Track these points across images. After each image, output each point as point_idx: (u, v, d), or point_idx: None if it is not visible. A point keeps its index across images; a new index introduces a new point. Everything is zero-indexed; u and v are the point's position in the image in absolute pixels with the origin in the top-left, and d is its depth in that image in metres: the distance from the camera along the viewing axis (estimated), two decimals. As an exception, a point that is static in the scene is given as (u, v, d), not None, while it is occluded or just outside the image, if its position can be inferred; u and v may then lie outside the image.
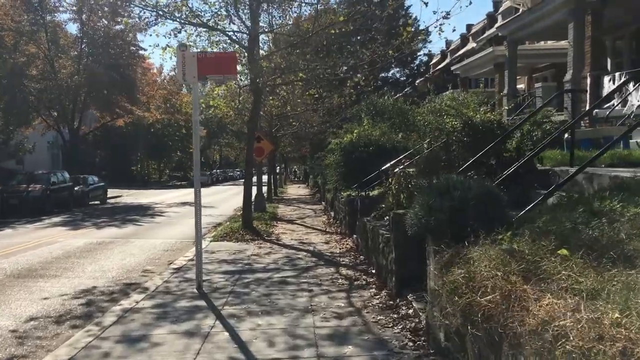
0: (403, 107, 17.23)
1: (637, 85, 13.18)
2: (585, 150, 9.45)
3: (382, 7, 17.15)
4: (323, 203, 26.44)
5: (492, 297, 3.19)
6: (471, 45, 39.74)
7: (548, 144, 7.47)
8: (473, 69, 29.03)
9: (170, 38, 18.17)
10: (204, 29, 15.65)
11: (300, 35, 16.03)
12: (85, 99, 37.69)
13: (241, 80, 19.18)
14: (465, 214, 4.59)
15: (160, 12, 14.71)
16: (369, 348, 5.47)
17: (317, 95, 22.94)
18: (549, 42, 24.30)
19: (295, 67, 16.56)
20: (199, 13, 15.16)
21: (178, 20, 14.73)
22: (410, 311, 6.37)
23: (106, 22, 37.12)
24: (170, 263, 11.15)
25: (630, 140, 10.51)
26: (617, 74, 15.31)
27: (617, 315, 2.37)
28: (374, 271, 9.17)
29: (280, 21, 18.39)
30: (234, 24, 15.85)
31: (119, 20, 33.01)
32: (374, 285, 8.24)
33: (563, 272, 3.09)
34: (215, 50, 15.38)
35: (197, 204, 8.45)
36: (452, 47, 47.66)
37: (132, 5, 16.99)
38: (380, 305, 7.06)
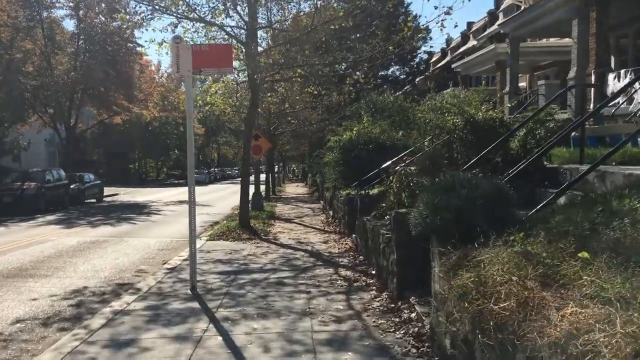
0: (403, 105, 17.00)
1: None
2: (593, 148, 9.18)
3: (382, 2, 16.89)
4: (321, 202, 26.16)
5: (507, 305, 2.90)
6: (472, 43, 39.48)
7: (555, 141, 7.19)
8: (474, 67, 28.75)
9: (167, 32, 17.87)
10: (201, 25, 15.37)
11: (299, 31, 15.74)
12: (81, 96, 37.29)
13: (238, 77, 18.92)
14: (473, 214, 4.31)
15: (157, 7, 14.42)
16: (370, 355, 5.19)
17: (315, 93, 22.66)
18: (551, 40, 24.03)
19: (293, 63, 16.28)
20: (196, 7, 14.87)
21: (174, 14, 14.44)
22: (413, 315, 6.08)
23: (103, 18, 36.72)
24: (165, 263, 10.86)
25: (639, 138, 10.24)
26: (622, 72, 15.03)
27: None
28: (374, 272, 8.89)
29: (279, 17, 18.13)
30: (231, 18, 15.59)
31: (116, 16, 32.62)
32: (374, 287, 7.95)
33: (585, 277, 2.81)
34: (212, 45, 15.05)
35: (191, 202, 8.17)
36: (453, 45, 47.42)
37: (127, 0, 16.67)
38: (381, 308, 6.77)
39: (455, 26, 38.32)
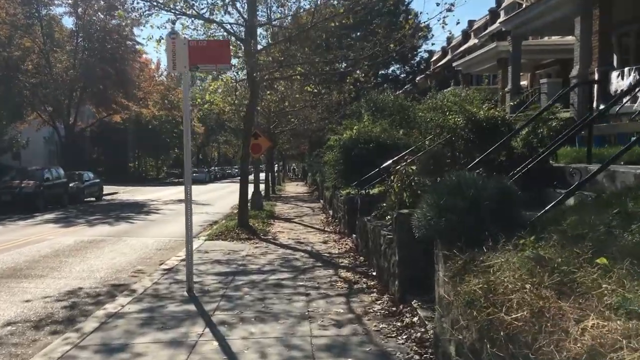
0: (404, 104, 16.79)
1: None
2: (598, 147, 8.98)
3: (383, 0, 16.70)
4: (321, 201, 25.95)
5: (521, 315, 2.70)
6: (473, 41, 39.26)
7: (563, 140, 6.99)
8: (475, 65, 28.51)
9: (165, 30, 17.64)
10: (200, 22, 15.17)
11: (299, 28, 15.52)
12: (80, 94, 37.08)
13: (237, 74, 18.71)
14: (480, 216, 4.11)
15: (154, 3, 14.20)
16: (371, 361, 4.99)
17: (315, 91, 22.45)
18: (553, 38, 23.80)
19: (293, 61, 16.07)
20: (194, 3, 14.64)
21: (172, 11, 14.23)
22: (415, 319, 5.89)
23: (102, 16, 36.51)
24: (162, 263, 10.66)
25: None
26: (626, 70, 14.81)
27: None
28: (374, 273, 8.69)
29: (279, 15, 17.92)
30: (230, 14, 15.39)
31: (115, 14, 32.42)
32: (375, 289, 7.75)
33: (605, 285, 2.61)
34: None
35: (188, 201, 7.97)
36: (453, 43, 47.19)
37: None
38: (382, 311, 6.57)
39: (458, 23, 37.91)
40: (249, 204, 17.06)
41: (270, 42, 18.40)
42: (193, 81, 56.22)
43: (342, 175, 14.44)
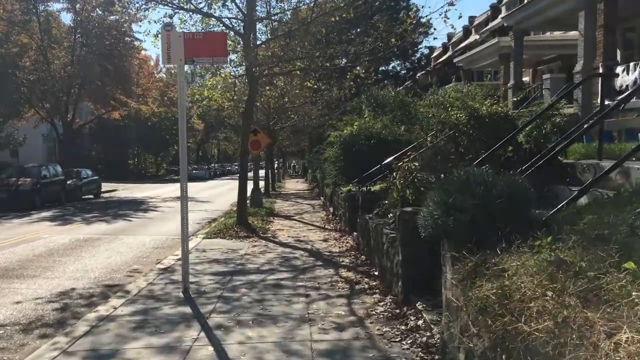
0: (405, 100, 16.56)
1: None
2: (607, 142, 8.73)
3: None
4: (322, 198, 25.69)
5: (542, 325, 2.44)
6: (474, 37, 38.95)
7: (569, 136, 6.74)
8: (477, 61, 28.24)
9: (163, 24, 17.35)
10: (199, 17, 14.90)
11: (299, 23, 15.25)
12: (79, 91, 36.72)
13: (236, 70, 18.45)
14: (492, 215, 3.85)
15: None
16: (374, 368, 4.74)
17: (315, 87, 22.18)
18: (556, 33, 23.53)
19: (293, 56, 15.80)
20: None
21: (169, 5, 13.96)
22: (420, 322, 5.63)
23: (100, 12, 36.16)
24: (158, 262, 10.40)
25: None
26: (631, 64, 14.55)
27: None
28: (376, 273, 8.44)
29: (278, 10, 17.63)
30: (228, 9, 15.12)
31: (112, 9, 32.10)
32: (377, 290, 7.49)
33: (635, 293, 2.36)
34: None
35: (184, 198, 7.70)
36: (454, 39, 46.84)
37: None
38: (386, 314, 6.31)
39: (460, 17, 37.74)
40: (248, 201, 16.82)
41: (269, 37, 18.12)
42: (192, 78, 56.04)
43: (343, 172, 14.19)
